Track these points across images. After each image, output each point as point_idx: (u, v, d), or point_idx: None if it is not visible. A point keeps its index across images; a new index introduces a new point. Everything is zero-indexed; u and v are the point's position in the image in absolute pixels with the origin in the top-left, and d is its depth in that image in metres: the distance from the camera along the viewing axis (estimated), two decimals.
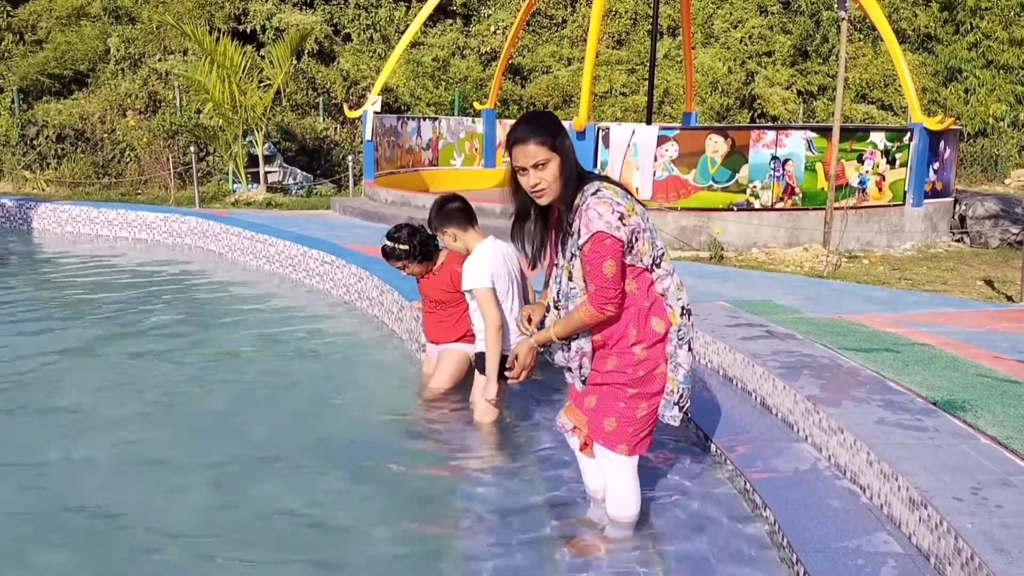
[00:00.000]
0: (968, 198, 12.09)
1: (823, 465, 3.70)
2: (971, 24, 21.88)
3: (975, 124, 21.29)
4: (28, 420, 4.73)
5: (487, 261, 4.12)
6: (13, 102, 17.41)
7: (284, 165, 16.39)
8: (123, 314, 7.18)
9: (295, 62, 17.20)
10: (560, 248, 3.09)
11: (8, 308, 7.29)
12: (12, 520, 3.55)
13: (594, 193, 2.95)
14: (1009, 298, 7.45)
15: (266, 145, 15.51)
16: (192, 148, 14.90)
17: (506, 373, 3.34)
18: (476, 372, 4.43)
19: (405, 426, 4.71)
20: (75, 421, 4.70)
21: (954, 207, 11.86)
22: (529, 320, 3.25)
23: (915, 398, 3.98)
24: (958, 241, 11.50)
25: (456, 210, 4.27)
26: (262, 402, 5.13)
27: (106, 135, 17.26)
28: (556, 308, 3.15)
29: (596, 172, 3.16)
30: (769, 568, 3.06)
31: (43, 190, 16.09)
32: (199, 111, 16.52)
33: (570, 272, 3.04)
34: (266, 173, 15.40)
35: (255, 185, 15.28)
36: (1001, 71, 21.58)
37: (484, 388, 4.13)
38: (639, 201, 3.09)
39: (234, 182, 15.54)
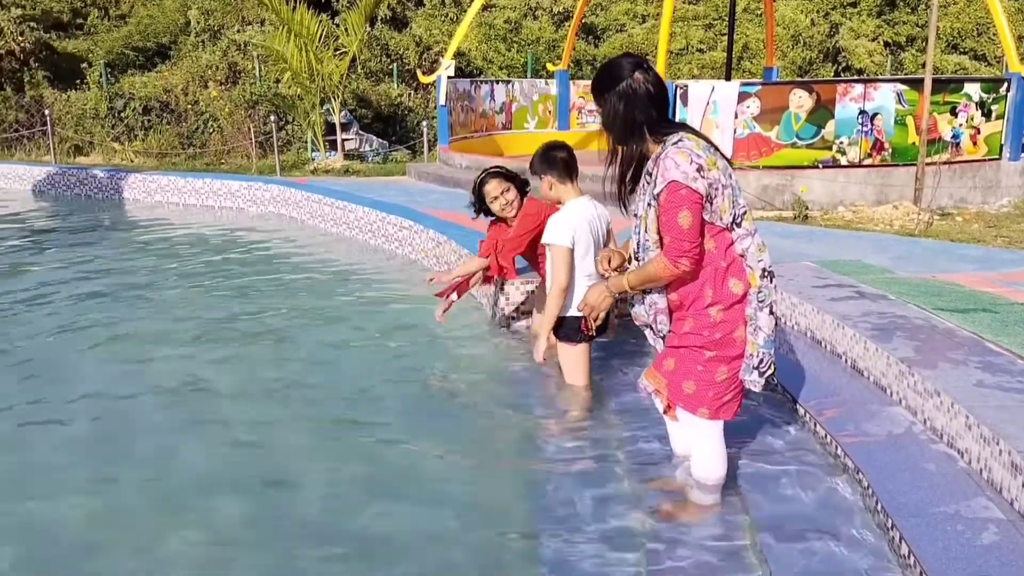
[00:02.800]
0: None
1: (918, 429, 3.59)
2: None
3: None
4: (140, 376, 4.94)
5: (573, 220, 4.09)
6: (101, 76, 17.98)
7: (360, 132, 16.56)
8: (211, 277, 7.41)
9: (369, 29, 17.28)
10: (641, 197, 3.06)
11: (105, 273, 7.60)
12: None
13: (675, 143, 2.92)
14: None
15: (343, 113, 15.68)
16: (272, 117, 15.18)
17: (578, 309, 3.30)
18: (558, 340, 4.41)
19: (489, 387, 4.75)
20: (182, 376, 4.89)
21: None
22: (608, 262, 3.22)
23: (1016, 359, 3.82)
24: None
25: (561, 159, 4.19)
26: (352, 360, 5.24)
27: (189, 106, 17.72)
28: (636, 259, 3.12)
29: (687, 125, 3.08)
30: (863, 533, 3.00)
31: (131, 161, 16.64)
32: (278, 81, 16.81)
33: (646, 223, 3.01)
34: (343, 141, 15.60)
35: (333, 153, 15.49)
36: None
37: (535, 348, 4.11)
38: (724, 156, 3.02)
39: (312, 150, 15.79)
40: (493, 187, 4.80)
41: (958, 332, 4.25)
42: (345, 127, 15.85)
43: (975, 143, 10.26)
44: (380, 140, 16.86)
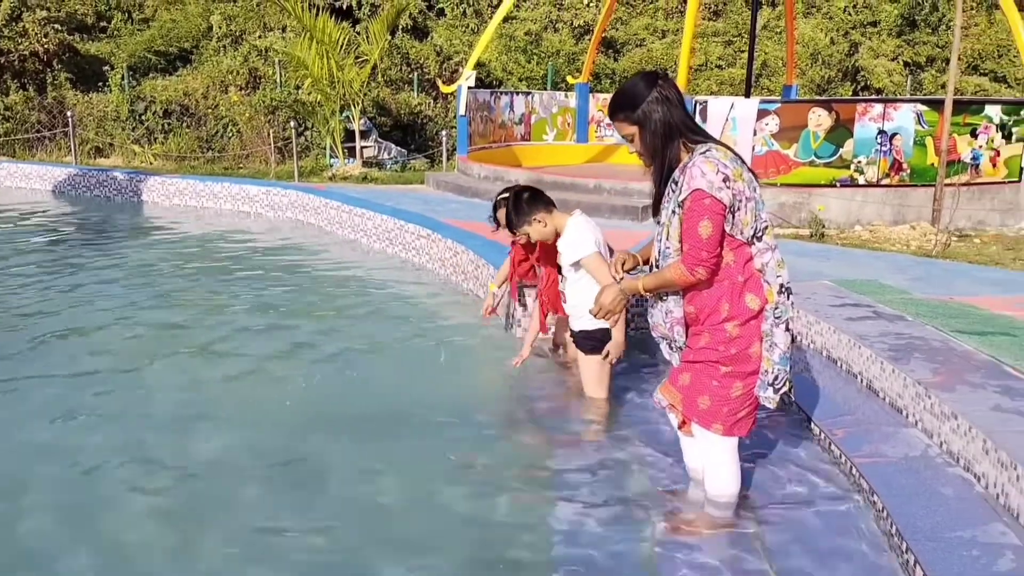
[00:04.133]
0: None
1: (934, 452, 3.57)
2: None
3: None
4: (142, 378, 4.97)
5: (587, 230, 4.14)
6: (123, 79, 18.15)
7: (379, 140, 16.64)
8: (230, 283, 7.45)
9: (390, 38, 17.39)
10: (665, 205, 3.07)
11: (123, 275, 7.66)
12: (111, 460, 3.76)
13: (703, 152, 2.94)
14: None
15: (362, 120, 15.77)
16: (291, 123, 15.28)
17: (590, 311, 3.26)
18: (580, 352, 4.43)
19: (508, 399, 4.76)
20: (185, 382, 4.91)
21: None
22: (622, 265, 3.21)
23: None
24: None
25: (535, 195, 4.29)
26: (365, 369, 5.26)
27: (209, 110, 17.85)
28: (656, 267, 3.12)
29: (712, 136, 3.10)
30: (877, 555, 2.99)
31: (151, 164, 16.78)
32: (298, 87, 16.91)
33: (669, 231, 3.01)
34: (362, 148, 15.68)
35: (351, 160, 15.58)
36: None
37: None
38: (750, 169, 3.03)
39: (331, 157, 15.87)
40: (502, 214, 4.59)
41: (976, 355, 4.23)
42: (364, 134, 15.94)
43: (995, 165, 10.22)
44: (399, 148, 16.93)
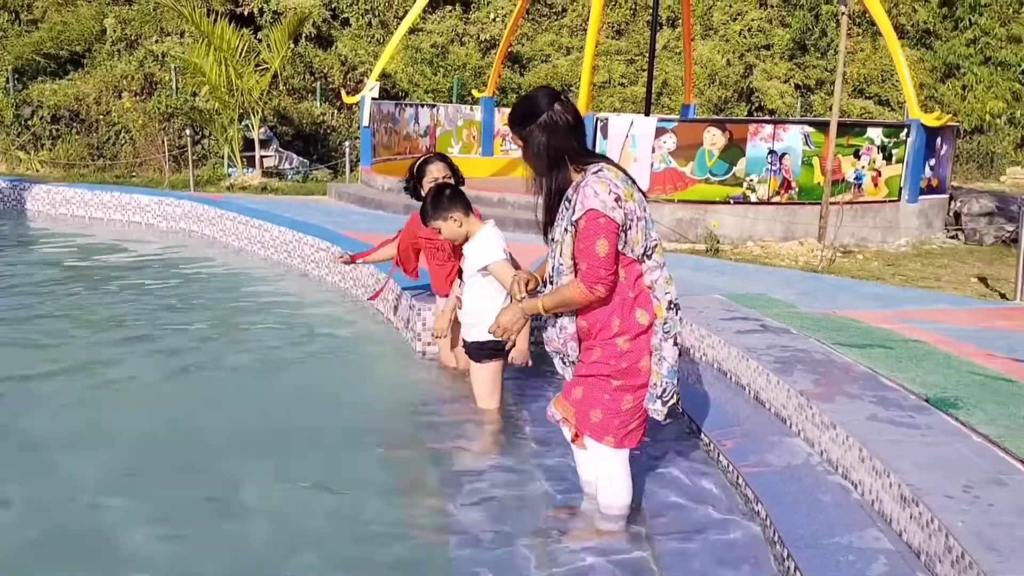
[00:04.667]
0: (963, 195, 12.11)
1: (815, 460, 3.71)
2: (970, 20, 21.86)
3: (972, 121, 21.30)
4: (16, 400, 4.72)
5: (499, 238, 4.16)
6: (8, 82, 17.29)
7: (280, 150, 16.34)
8: (113, 297, 7.16)
9: (292, 46, 17.11)
10: (559, 223, 3.11)
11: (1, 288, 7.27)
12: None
13: (595, 172, 3.00)
14: (1003, 296, 7.47)
15: (262, 129, 15.45)
16: (187, 131, 14.84)
17: (489, 330, 3.29)
18: (472, 362, 4.43)
19: (402, 414, 4.72)
20: (63, 402, 4.68)
21: (949, 204, 11.88)
22: (525, 285, 3.23)
23: (908, 395, 3.99)
24: (952, 238, 11.52)
25: (457, 194, 4.25)
26: (260, 383, 5.13)
27: (101, 116, 17.17)
28: (550, 283, 3.16)
29: (606, 157, 3.16)
30: (760, 562, 3.07)
31: (37, 171, 16.01)
32: (195, 94, 16.46)
33: (562, 248, 3.05)
34: (262, 157, 15.36)
35: (250, 169, 15.23)
36: (999, 68, 21.58)
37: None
38: (640, 190, 3.10)
39: (229, 166, 15.48)
40: (438, 168, 4.75)
41: (855, 367, 4.42)
42: (264, 144, 15.62)
43: (876, 185, 10.75)
44: (300, 158, 16.65)
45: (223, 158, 15.82)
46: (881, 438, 3.43)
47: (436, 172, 4.73)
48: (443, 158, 4.87)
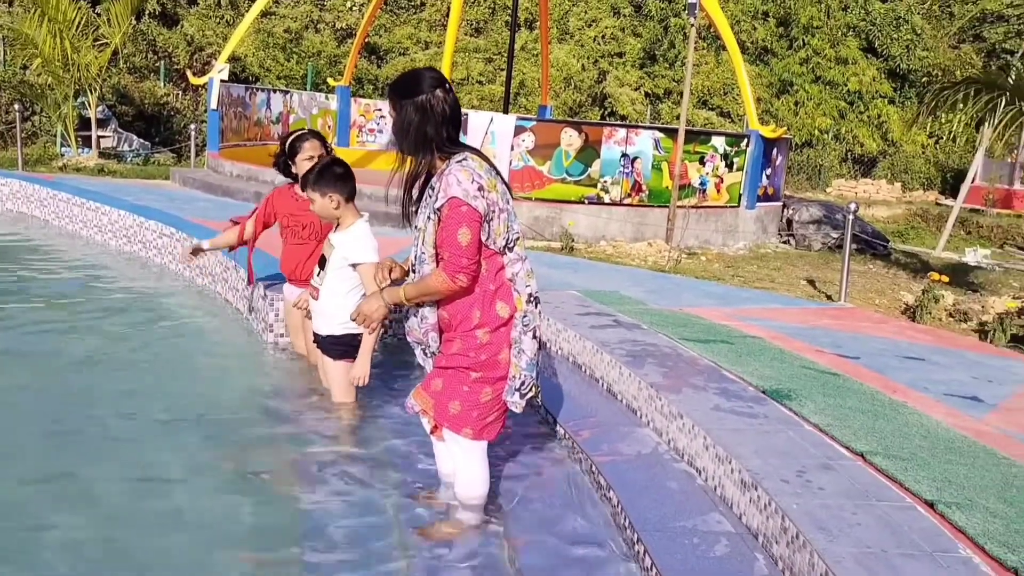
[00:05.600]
0: (795, 203, 12.96)
1: (663, 449, 3.88)
2: (803, 40, 23.39)
3: (802, 135, 22.83)
4: None
5: (372, 238, 4.06)
6: None
7: (119, 130, 15.44)
8: None
9: (135, 22, 16.17)
10: (422, 211, 3.10)
11: None
12: None
13: (459, 161, 3.00)
14: (829, 297, 8.05)
15: (100, 108, 14.54)
16: (16, 106, 13.74)
17: (351, 317, 3.24)
18: (324, 356, 4.33)
19: (254, 408, 4.55)
20: None
21: (782, 211, 12.69)
22: (389, 272, 3.20)
23: (747, 387, 4.24)
24: (785, 243, 12.32)
25: (346, 176, 4.06)
26: (99, 375, 4.82)
27: None
28: (412, 271, 3.15)
29: (474, 147, 3.16)
30: (613, 548, 3.18)
31: None
32: (25, 67, 15.26)
33: (424, 236, 3.05)
34: (99, 138, 14.45)
35: (86, 150, 14.29)
36: (827, 86, 23.21)
37: (355, 366, 4.02)
38: (504, 182, 3.13)
39: (63, 145, 14.46)
40: (313, 146, 4.59)
41: (700, 360, 4.65)
42: (102, 123, 14.70)
43: (719, 191, 11.34)
44: (141, 140, 15.79)
45: (56, 137, 14.75)
46: (723, 427, 3.63)
47: (311, 150, 4.59)
48: (318, 136, 4.71)
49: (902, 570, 2.51)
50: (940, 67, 22.91)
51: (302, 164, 4.55)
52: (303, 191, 4.23)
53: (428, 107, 2.97)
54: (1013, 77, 9.32)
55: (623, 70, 23.38)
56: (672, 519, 3.20)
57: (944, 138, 22.57)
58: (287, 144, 4.66)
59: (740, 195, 11.59)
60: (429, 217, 3.02)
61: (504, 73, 13.79)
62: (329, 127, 15.73)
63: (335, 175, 4.03)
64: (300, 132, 4.77)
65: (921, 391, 4.56)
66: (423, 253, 3.07)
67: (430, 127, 2.99)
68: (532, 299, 3.13)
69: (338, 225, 4.12)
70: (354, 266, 4.03)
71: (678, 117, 10.48)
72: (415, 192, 3.14)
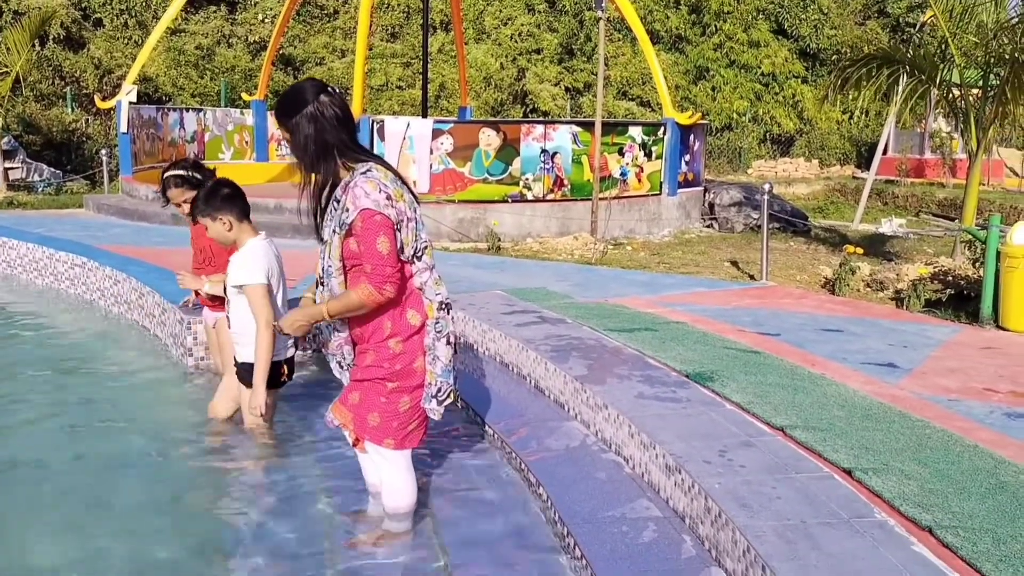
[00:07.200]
0: (716, 187, 13.20)
1: (591, 441, 3.90)
2: (716, 27, 23.85)
3: (721, 119, 23.28)
4: None
5: (262, 257, 3.92)
6: None
7: (27, 160, 14.94)
8: None
9: (38, 48, 15.65)
10: (327, 224, 3.05)
11: None
12: None
13: (364, 172, 2.95)
14: (751, 276, 8.21)
15: (5, 139, 14.03)
16: None
17: (276, 324, 3.18)
18: (242, 384, 4.18)
19: (174, 432, 4.43)
20: None
21: (704, 196, 12.91)
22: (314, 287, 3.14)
23: (670, 372, 4.29)
24: (708, 227, 12.53)
25: (234, 196, 3.96)
26: (15, 414, 4.63)
27: None
28: (320, 284, 3.10)
29: (377, 155, 3.12)
30: (545, 542, 3.18)
31: None
32: None
33: (331, 249, 3.00)
34: (6, 169, 13.94)
35: None
36: (742, 70, 23.70)
37: (250, 397, 3.92)
38: (411, 191, 3.10)
39: None
40: (177, 194, 4.47)
41: (624, 350, 4.69)
42: (9, 154, 14.20)
43: (640, 180, 11.48)
44: (52, 170, 15.29)
45: None
46: (647, 413, 3.66)
47: (178, 197, 4.47)
48: (181, 182, 4.48)
49: (820, 539, 2.56)
50: (848, 44, 23.58)
51: (184, 207, 4.47)
52: (193, 221, 4.17)
53: (319, 115, 2.93)
54: (911, 51, 9.63)
55: (542, 66, 23.51)
56: (601, 509, 3.21)
57: (856, 113, 23.28)
58: (162, 185, 4.55)
59: (661, 183, 11.75)
60: (335, 231, 2.97)
61: (422, 76, 13.74)
62: (246, 142, 15.47)
63: (223, 196, 3.94)
64: (166, 175, 4.55)
65: (839, 362, 4.67)
66: (330, 266, 3.02)
67: (327, 134, 2.95)
68: (443, 306, 3.11)
69: (236, 246, 4.01)
70: (242, 289, 3.89)
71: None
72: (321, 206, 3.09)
